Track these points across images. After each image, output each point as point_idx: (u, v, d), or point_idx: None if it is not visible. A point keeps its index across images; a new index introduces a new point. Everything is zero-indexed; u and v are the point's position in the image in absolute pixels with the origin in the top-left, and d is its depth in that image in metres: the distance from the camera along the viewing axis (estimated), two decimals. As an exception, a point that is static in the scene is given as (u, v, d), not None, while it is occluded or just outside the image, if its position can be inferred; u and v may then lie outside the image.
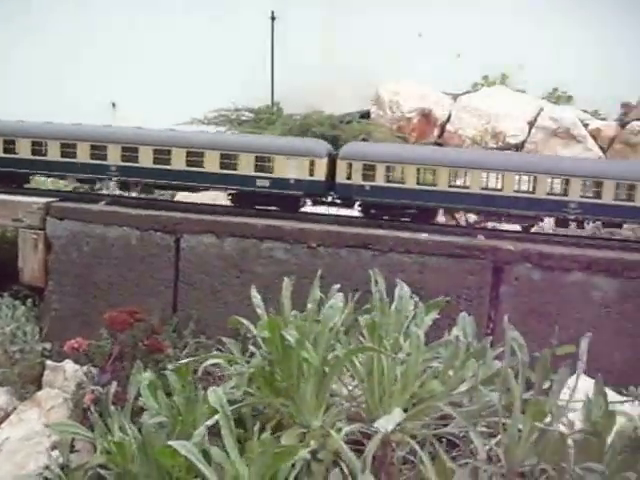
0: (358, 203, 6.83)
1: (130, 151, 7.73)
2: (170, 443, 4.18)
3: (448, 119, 10.68)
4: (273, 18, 12.58)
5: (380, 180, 6.23)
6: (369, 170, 6.20)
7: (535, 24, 11.45)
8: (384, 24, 11.88)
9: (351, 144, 7.14)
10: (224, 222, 7.34)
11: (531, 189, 6.52)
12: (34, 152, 7.99)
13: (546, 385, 4.87)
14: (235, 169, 6.97)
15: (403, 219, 7.09)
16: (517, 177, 6.54)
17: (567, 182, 6.49)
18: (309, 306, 5.10)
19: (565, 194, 6.53)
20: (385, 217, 7.06)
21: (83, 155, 7.85)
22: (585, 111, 10.80)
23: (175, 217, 7.52)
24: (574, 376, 6.27)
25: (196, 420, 4.81)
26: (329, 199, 7.17)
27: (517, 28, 11.40)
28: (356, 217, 7.40)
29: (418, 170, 6.13)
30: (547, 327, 6.72)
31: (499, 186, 6.56)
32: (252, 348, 5.42)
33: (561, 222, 7.02)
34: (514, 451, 4.43)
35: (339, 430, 4.40)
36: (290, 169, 6.49)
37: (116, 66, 13.08)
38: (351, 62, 11.69)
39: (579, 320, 6.74)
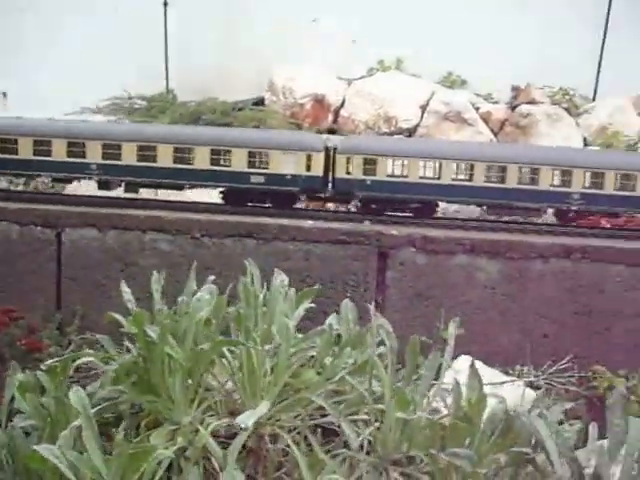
0: (358, 198, 6.61)
1: (112, 148, 7.27)
2: (35, 448, 3.97)
3: (342, 104, 10.62)
4: (166, 3, 12.28)
5: (382, 174, 6.05)
6: (370, 164, 6.04)
7: (431, 8, 11.48)
8: (279, 9, 11.73)
9: (349, 137, 6.95)
10: (106, 214, 7.11)
11: (533, 181, 6.38)
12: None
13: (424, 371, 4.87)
14: (228, 165, 6.69)
15: (405, 213, 6.97)
16: (519, 169, 6.39)
17: (570, 173, 6.40)
18: (181, 299, 4.95)
19: (568, 185, 6.44)
20: (386, 212, 6.85)
21: (59, 153, 7.37)
22: (478, 95, 10.91)
23: (55, 210, 7.24)
24: (461, 359, 6.36)
25: (69, 422, 4.61)
26: (326, 194, 6.95)
27: (413, 13, 11.42)
28: (237, 206, 7.30)
29: (420, 163, 6.01)
30: (434, 310, 6.76)
31: (501, 179, 6.39)
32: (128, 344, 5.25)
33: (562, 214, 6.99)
34: (386, 440, 4.40)
35: (208, 426, 4.28)
36: (286, 164, 6.28)
37: (6, 55, 12.56)
38: (247, 47, 11.51)
39: (465, 302, 6.79)
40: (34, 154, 7.41)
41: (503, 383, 5.86)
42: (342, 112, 10.58)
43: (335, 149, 6.50)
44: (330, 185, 6.77)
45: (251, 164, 6.56)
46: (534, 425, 4.33)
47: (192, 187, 7.36)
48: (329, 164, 6.63)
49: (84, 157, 7.26)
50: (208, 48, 12.02)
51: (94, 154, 7.22)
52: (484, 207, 6.99)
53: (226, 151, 6.75)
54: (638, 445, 4.02)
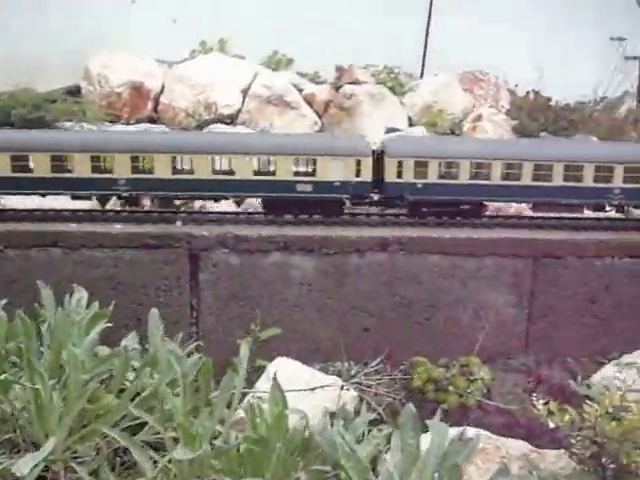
0: (409, 201, 6.17)
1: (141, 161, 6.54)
2: None
3: (162, 91, 10.03)
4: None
5: (434, 177, 5.70)
6: (421, 167, 5.70)
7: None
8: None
9: (395, 139, 6.30)
10: None
11: (576, 178, 6.00)
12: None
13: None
14: (273, 174, 6.14)
15: (455, 216, 6.58)
16: (562, 167, 6.00)
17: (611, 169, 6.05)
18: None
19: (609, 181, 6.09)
20: (437, 214, 6.47)
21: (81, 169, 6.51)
22: (304, 75, 10.63)
23: None
24: (277, 361, 6.14)
25: None
26: (375, 199, 6.56)
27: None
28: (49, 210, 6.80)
29: (472, 165, 5.67)
30: (251, 311, 6.50)
31: (547, 178, 5.99)
32: None
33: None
34: (184, 465, 4.09)
35: None
36: (335, 171, 5.82)
37: None
38: (63, 31, 10.70)
39: (282, 301, 6.57)
40: None
41: (314, 389, 5.66)
42: (162, 99, 10.03)
43: (382, 152, 5.98)
44: (380, 190, 6.35)
45: (298, 172, 6.03)
46: (332, 443, 4.13)
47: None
48: (377, 168, 6.19)
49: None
50: (18, 35, 11.10)
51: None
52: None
53: (271, 160, 6.16)
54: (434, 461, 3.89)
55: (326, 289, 6.56)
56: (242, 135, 7.89)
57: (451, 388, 6.10)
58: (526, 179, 5.45)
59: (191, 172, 6.47)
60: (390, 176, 5.61)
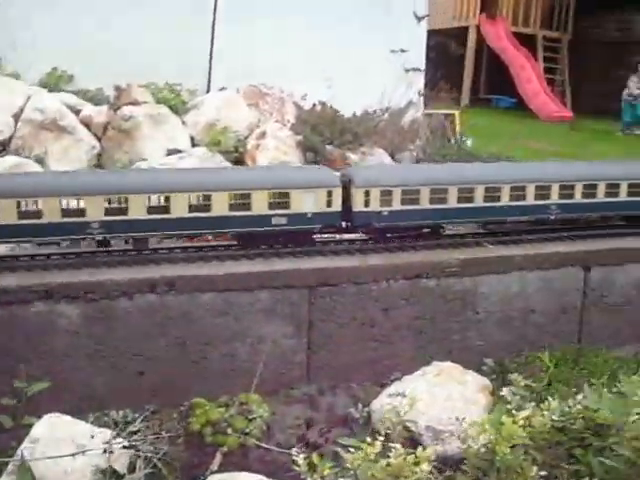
0: (375, 229, 6.07)
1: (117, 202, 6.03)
2: None
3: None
4: None
5: (397, 204, 5.67)
6: (386, 195, 5.65)
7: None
8: None
9: (361, 170, 6.13)
10: None
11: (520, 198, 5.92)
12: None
13: None
14: (249, 209, 5.80)
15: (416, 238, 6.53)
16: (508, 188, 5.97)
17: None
18: None
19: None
20: (399, 239, 6.42)
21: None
22: (85, 93, 10.10)
23: None
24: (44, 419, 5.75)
25: None
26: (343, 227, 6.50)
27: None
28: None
29: (431, 191, 5.68)
30: (16, 365, 6.05)
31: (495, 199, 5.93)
32: None
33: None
34: None
35: None
36: (308, 202, 5.62)
37: None
38: None
39: (50, 351, 6.17)
40: None
41: (84, 452, 5.34)
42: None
43: (349, 182, 5.90)
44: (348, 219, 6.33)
45: (273, 205, 5.80)
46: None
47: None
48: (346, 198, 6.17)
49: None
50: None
51: None
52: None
53: (246, 195, 5.87)
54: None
55: (96, 335, 6.23)
56: (217, 171, 7.58)
57: (230, 430, 5.97)
58: (479, 201, 5.72)
59: (166, 211, 6.01)
60: (358, 205, 5.71)
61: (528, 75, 21.10)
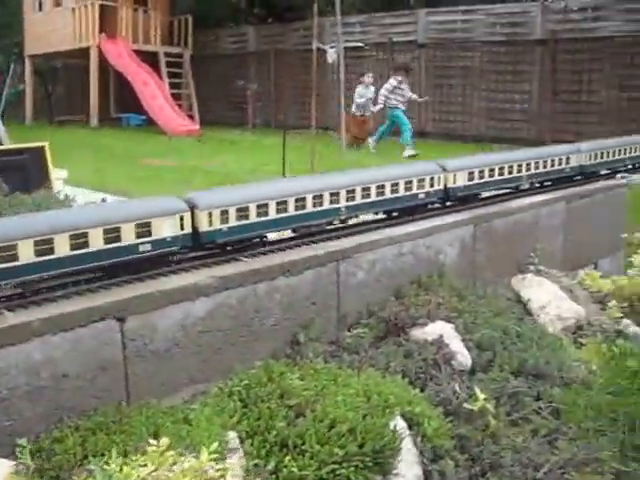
0: (218, 244, 5.96)
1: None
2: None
3: None
4: None
5: (233, 221, 5.79)
6: (224, 214, 5.75)
7: None
8: None
9: (203, 195, 5.83)
10: None
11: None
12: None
13: None
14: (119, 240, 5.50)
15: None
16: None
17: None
18: None
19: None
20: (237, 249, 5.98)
21: None
22: None
23: None
24: None
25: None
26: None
27: None
28: None
29: (257, 206, 5.78)
30: None
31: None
32: None
33: None
34: None
35: None
36: (166, 228, 5.60)
37: None
38: None
39: None
40: None
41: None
42: None
43: (194, 207, 5.75)
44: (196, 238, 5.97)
45: (139, 234, 5.56)
46: None
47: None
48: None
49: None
50: None
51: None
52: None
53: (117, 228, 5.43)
54: None
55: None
56: (95, 208, 6.52)
57: None
58: (291, 210, 5.64)
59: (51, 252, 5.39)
60: (203, 226, 5.36)
61: (152, 91, 21.39)
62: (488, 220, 5.31)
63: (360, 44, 19.06)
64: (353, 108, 16.96)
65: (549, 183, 6.19)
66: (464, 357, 4.12)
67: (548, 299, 5.12)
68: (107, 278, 5.35)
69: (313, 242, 4.73)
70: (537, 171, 6.04)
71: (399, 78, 16.14)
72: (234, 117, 22.57)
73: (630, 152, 7.34)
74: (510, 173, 5.77)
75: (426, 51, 19.29)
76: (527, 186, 5.91)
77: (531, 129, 17.50)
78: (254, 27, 24.48)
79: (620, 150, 7.22)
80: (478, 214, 5.32)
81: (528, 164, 5.94)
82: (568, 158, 6.47)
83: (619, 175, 6.58)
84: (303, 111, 19.31)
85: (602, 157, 6.86)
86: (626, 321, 5.35)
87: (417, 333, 4.20)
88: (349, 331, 4.31)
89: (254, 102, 21.46)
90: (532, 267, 5.52)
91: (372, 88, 17.10)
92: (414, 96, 16.41)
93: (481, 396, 3.84)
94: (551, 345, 4.53)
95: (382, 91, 16.23)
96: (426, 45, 19.29)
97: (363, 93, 17.12)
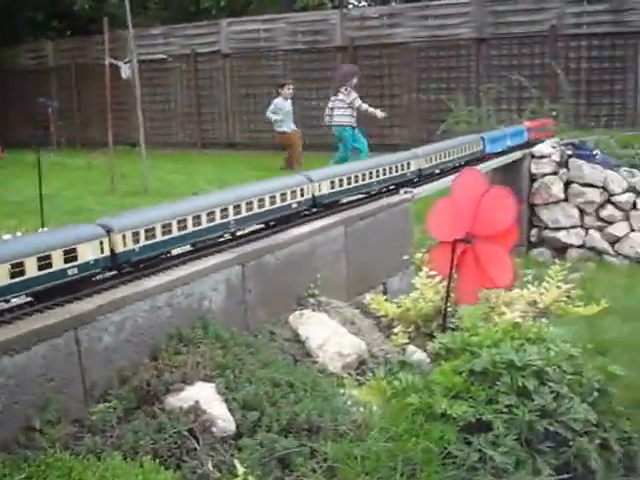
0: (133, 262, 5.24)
1: None
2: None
3: None
4: None
5: (143, 240, 5.23)
6: (136, 236, 5.23)
7: None
8: None
9: (116, 218, 5.28)
10: None
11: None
12: None
13: None
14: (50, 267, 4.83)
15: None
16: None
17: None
18: None
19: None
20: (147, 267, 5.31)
21: None
22: None
23: None
24: None
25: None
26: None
27: None
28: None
29: (162, 226, 5.31)
30: None
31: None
32: None
33: None
34: None
35: None
36: (89, 252, 4.89)
37: None
38: None
39: None
40: None
41: None
42: None
43: (110, 230, 5.19)
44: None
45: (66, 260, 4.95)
46: None
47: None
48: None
49: None
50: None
51: None
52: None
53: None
54: None
55: None
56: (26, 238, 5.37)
57: None
58: (190, 227, 5.33)
59: None
60: (119, 247, 4.69)
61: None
62: (258, 256, 4.93)
63: (162, 56, 18.42)
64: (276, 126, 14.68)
65: (393, 187, 6.53)
66: (226, 421, 3.68)
67: (327, 335, 4.80)
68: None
69: (48, 308, 4.11)
70: (385, 177, 6.38)
71: (346, 89, 12.27)
72: (39, 137, 21.18)
73: (460, 152, 7.80)
74: (364, 180, 6.14)
75: (230, 61, 18.86)
76: (377, 190, 6.31)
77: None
78: (53, 41, 23.15)
79: (451, 152, 7.67)
80: (247, 252, 4.93)
81: (377, 171, 6.29)
82: (409, 163, 6.78)
83: (402, 190, 6.41)
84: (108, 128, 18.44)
85: (437, 159, 7.33)
86: (411, 348, 5.13)
87: (172, 400, 3.71)
88: (96, 406, 3.74)
89: (56, 120, 20.21)
90: (313, 300, 5.18)
91: (290, 101, 14.77)
92: (370, 109, 12.34)
93: (241, 469, 3.41)
94: (327, 391, 4.17)
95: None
96: (230, 55, 18.86)
97: (281, 106, 14.51)
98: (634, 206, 8.39)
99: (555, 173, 8.58)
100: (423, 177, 6.99)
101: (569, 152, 8.58)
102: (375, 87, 16.78)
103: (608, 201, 8.46)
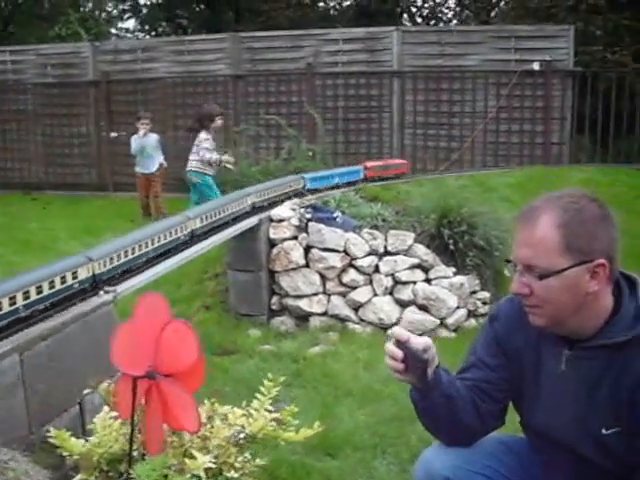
0: None
1: None
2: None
3: None
4: None
5: None
6: None
7: None
8: None
9: None
10: None
11: None
12: None
13: None
14: None
15: None
16: None
17: None
18: None
19: None
20: None
21: None
22: None
23: None
24: None
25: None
26: None
27: None
28: None
29: None
30: None
31: None
32: None
33: None
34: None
35: None
36: None
37: None
38: None
39: None
40: None
41: None
42: None
43: None
44: None
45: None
46: None
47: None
48: None
49: None
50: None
51: None
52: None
53: None
54: None
55: None
56: None
57: None
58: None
59: None
60: None
61: None
62: None
63: None
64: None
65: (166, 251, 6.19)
66: None
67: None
68: None
69: None
70: (160, 243, 6.08)
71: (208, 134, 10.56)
72: None
73: (234, 207, 7.43)
74: (140, 249, 5.79)
75: (-29, 95, 16.95)
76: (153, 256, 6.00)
77: (92, 173, 16.30)
78: None
79: (224, 209, 7.25)
80: None
81: (152, 240, 5.95)
82: (184, 226, 6.49)
83: (102, 291, 5.43)
84: None
85: (210, 218, 6.96)
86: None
87: None
88: None
89: None
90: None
91: (154, 136, 12.34)
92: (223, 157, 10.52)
93: None
94: None
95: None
96: (-28, 88, 16.94)
97: (139, 142, 12.25)
98: (376, 269, 8.00)
99: (295, 237, 7.99)
100: (196, 238, 6.73)
101: (308, 215, 8.03)
102: (130, 123, 15.68)
103: (350, 265, 8.01)
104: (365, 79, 14.94)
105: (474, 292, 8.20)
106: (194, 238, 6.68)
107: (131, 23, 24.29)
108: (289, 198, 8.58)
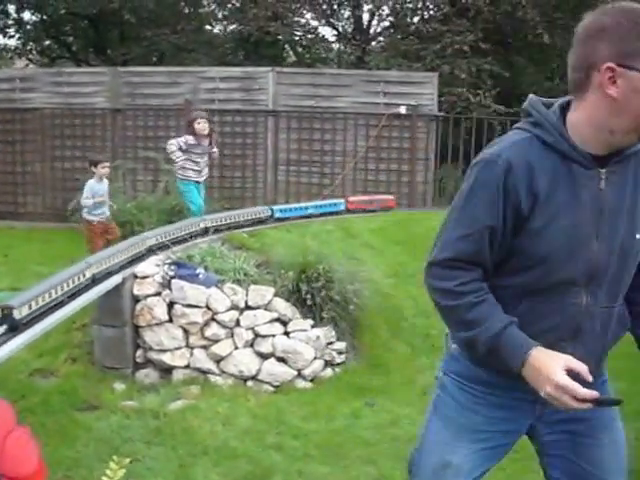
0: None
1: None
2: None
3: None
4: None
5: None
6: None
7: None
8: None
9: None
10: None
11: None
12: None
13: None
14: None
15: None
16: None
17: None
18: None
19: None
20: None
21: None
22: None
23: None
24: None
25: None
26: None
27: None
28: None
29: None
30: None
31: None
32: None
33: None
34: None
35: None
36: None
37: None
38: None
39: None
40: None
41: None
42: None
43: None
44: None
45: None
46: None
47: None
48: None
49: None
50: None
51: None
52: None
53: None
54: None
55: None
56: None
57: None
58: None
59: None
60: None
61: None
62: None
63: None
64: (84, 212, 10.20)
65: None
66: None
67: None
68: None
69: None
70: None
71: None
72: None
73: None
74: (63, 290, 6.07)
75: None
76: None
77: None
78: None
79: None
80: None
81: (68, 284, 6.23)
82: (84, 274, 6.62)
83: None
84: None
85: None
86: None
87: None
88: None
89: None
90: None
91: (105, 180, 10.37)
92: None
93: None
94: None
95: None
96: None
97: (97, 190, 10.16)
98: (237, 323, 8.27)
99: (159, 294, 8.17)
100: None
101: (171, 273, 8.23)
102: (7, 153, 15.35)
103: (212, 319, 8.26)
104: (241, 117, 15.19)
105: (330, 343, 8.57)
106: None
107: (12, 41, 23.48)
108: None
